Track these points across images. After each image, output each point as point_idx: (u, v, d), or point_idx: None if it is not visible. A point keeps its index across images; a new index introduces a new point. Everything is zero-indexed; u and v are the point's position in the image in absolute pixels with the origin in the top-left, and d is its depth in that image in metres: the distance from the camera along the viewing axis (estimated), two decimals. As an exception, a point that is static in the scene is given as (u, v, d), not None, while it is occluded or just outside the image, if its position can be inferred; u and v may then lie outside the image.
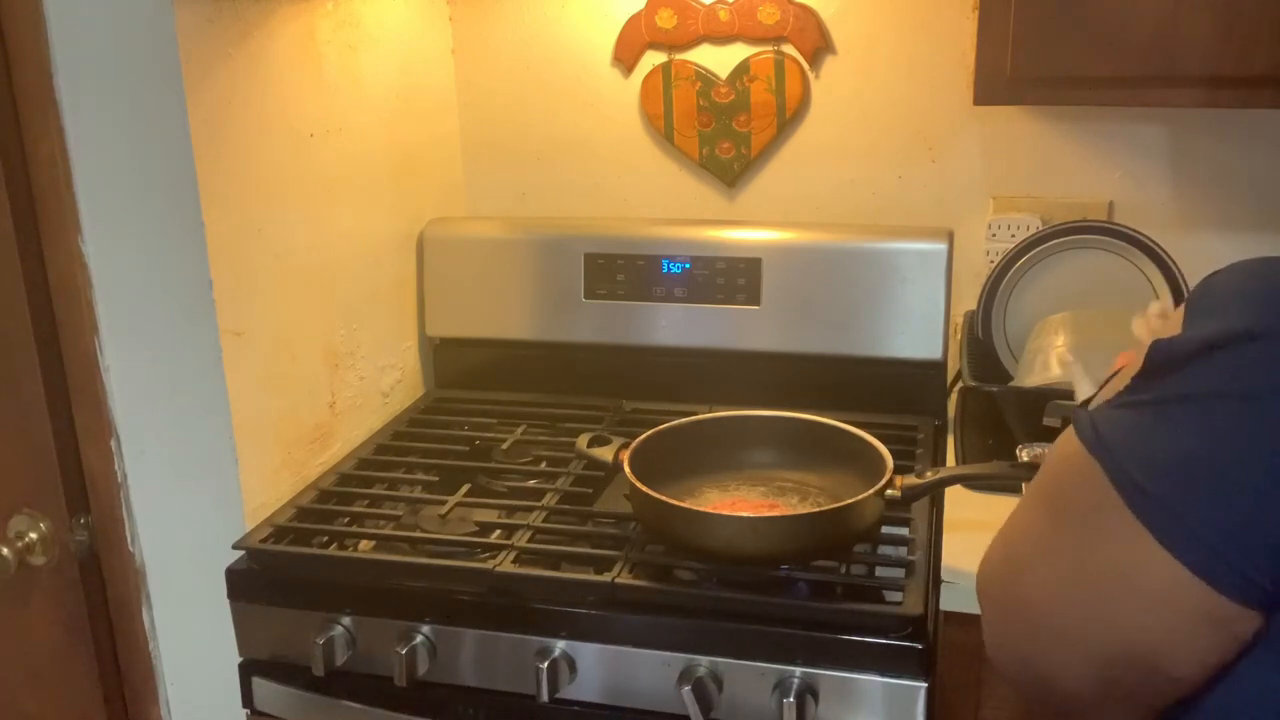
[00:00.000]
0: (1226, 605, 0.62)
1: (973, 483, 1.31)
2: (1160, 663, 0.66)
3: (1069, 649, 0.70)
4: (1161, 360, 0.66)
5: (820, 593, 1.19)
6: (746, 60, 1.68)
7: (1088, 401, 0.73)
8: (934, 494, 1.30)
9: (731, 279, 1.62)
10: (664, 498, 1.20)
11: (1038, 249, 1.55)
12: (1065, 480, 0.70)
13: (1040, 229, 1.57)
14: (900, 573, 1.19)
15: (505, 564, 1.22)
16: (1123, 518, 0.64)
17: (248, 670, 1.30)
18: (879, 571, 1.23)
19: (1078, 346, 1.42)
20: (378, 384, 1.64)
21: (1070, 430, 0.70)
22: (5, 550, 1.30)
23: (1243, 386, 0.61)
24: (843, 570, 1.22)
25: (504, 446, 1.53)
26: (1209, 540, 0.62)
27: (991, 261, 1.62)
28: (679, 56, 1.71)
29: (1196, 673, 0.66)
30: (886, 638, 1.11)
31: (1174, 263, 1.50)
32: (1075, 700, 0.72)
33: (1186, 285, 1.49)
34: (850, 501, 1.17)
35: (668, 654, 1.16)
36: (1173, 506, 0.62)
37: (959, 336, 1.66)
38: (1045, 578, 0.70)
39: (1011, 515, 0.76)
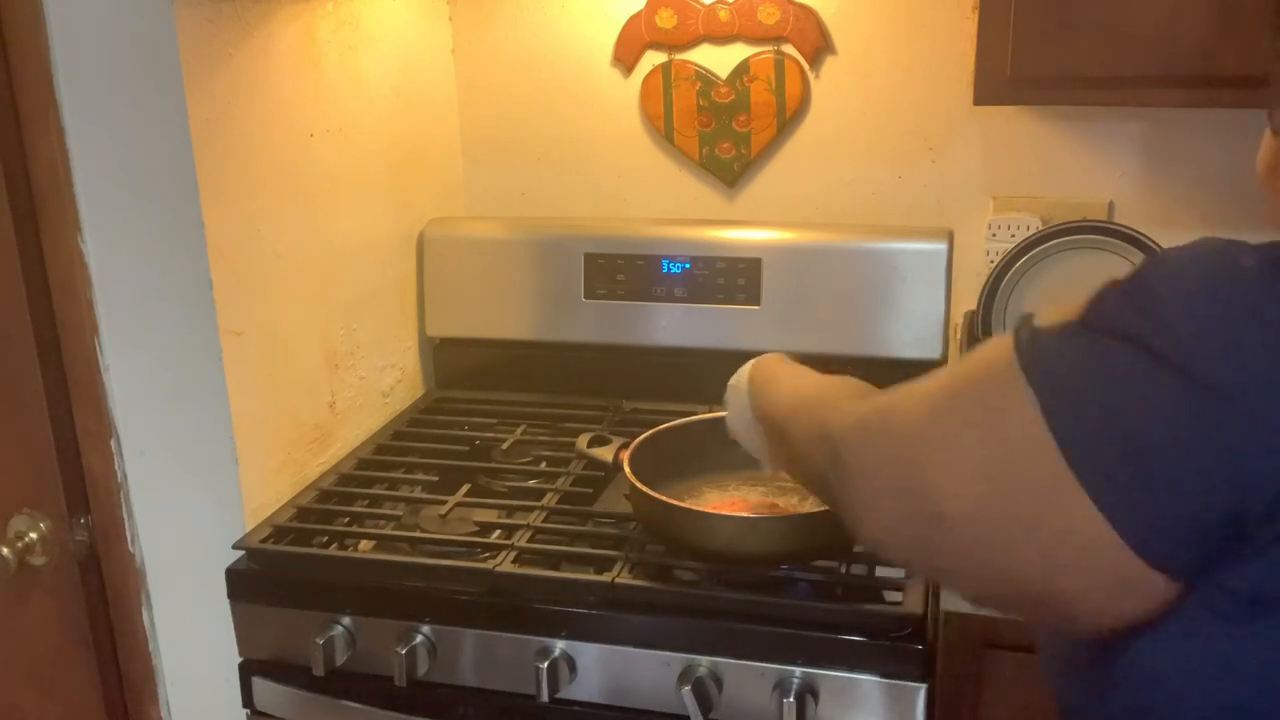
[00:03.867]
0: (1143, 570, 0.61)
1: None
2: (1069, 605, 0.65)
3: (980, 556, 0.68)
4: (1106, 315, 0.63)
5: (820, 593, 1.19)
6: (746, 60, 1.68)
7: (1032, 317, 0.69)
8: (934, 494, 1.30)
9: (731, 279, 1.62)
10: (664, 498, 1.20)
11: (1038, 249, 1.55)
12: (993, 391, 0.67)
13: (1040, 229, 1.57)
14: (900, 572, 1.19)
15: (505, 564, 1.22)
16: (1052, 457, 0.62)
17: (248, 670, 1.30)
18: (879, 571, 1.23)
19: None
20: (378, 384, 1.64)
21: (1008, 340, 0.67)
22: (5, 550, 1.29)
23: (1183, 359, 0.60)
24: (843, 570, 1.22)
25: (504, 446, 1.53)
26: (1138, 503, 0.60)
27: (991, 261, 1.62)
28: (679, 56, 1.71)
29: (1105, 621, 0.65)
30: (886, 638, 1.11)
31: (1174, 263, 1.50)
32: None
33: (1186, 285, 1.49)
34: (850, 501, 1.17)
35: (668, 654, 1.16)
36: (1105, 463, 0.61)
37: (959, 336, 1.66)
38: (957, 475, 0.67)
39: (897, 392, 0.74)
